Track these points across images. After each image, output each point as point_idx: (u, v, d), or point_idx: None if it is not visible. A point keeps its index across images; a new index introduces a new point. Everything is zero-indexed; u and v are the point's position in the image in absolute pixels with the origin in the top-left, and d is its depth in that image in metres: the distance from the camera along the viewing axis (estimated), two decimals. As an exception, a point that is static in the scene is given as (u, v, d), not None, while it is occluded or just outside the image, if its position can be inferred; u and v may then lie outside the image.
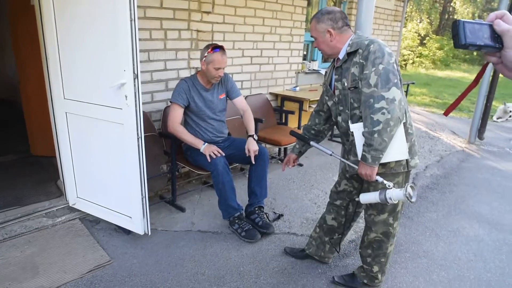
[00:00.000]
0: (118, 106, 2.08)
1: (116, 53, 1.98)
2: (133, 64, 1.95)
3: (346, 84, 1.68)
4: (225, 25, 3.29)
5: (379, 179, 1.60)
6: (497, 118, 6.54)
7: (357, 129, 1.66)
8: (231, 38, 3.38)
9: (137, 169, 2.15)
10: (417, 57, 16.17)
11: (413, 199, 1.50)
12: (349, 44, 1.66)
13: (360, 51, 1.60)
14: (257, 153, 2.50)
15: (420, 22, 18.06)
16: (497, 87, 4.97)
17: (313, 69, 4.55)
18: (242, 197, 2.74)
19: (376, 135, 1.52)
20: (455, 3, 18.61)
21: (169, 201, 2.87)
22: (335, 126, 1.95)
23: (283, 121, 3.88)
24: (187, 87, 2.50)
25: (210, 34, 3.17)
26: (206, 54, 2.40)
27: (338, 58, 1.72)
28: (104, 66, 2.08)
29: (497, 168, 4.05)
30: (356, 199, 1.74)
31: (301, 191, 3.20)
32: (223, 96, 2.65)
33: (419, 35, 17.37)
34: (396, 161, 1.67)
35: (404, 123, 1.61)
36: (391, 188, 1.56)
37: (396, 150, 1.62)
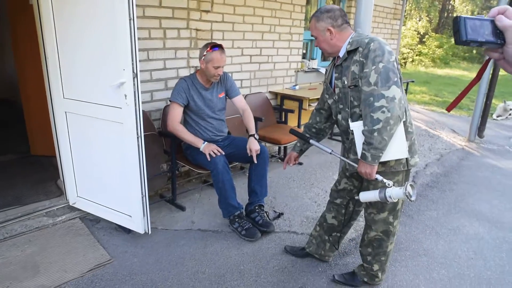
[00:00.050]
0: (118, 105, 2.08)
1: (115, 52, 1.98)
2: (132, 63, 1.95)
3: (346, 82, 1.68)
4: (224, 24, 3.29)
5: (379, 177, 1.60)
6: (497, 116, 6.55)
7: (357, 127, 1.65)
8: (230, 37, 3.38)
9: (137, 168, 2.15)
10: (416, 55, 16.15)
11: (413, 198, 1.50)
12: (349, 42, 1.66)
13: (360, 49, 1.59)
14: (258, 152, 2.50)
15: (419, 20, 18.05)
16: (497, 85, 4.97)
17: (313, 68, 4.55)
18: (242, 195, 2.74)
19: (376, 134, 1.52)
20: (454, 1, 18.61)
21: (169, 200, 2.87)
22: (335, 125, 1.95)
23: (283, 119, 3.88)
24: (186, 86, 2.49)
25: (209, 33, 3.17)
26: (205, 53, 2.40)
27: (338, 56, 1.72)
28: (103, 65, 2.07)
29: (497, 166, 4.05)
30: (356, 197, 1.74)
31: (301, 190, 3.20)
32: (222, 95, 2.65)
33: (419, 33, 17.34)
34: (396, 160, 1.67)
35: (404, 121, 1.61)
36: (391, 186, 1.56)
37: (396, 149, 1.62)
